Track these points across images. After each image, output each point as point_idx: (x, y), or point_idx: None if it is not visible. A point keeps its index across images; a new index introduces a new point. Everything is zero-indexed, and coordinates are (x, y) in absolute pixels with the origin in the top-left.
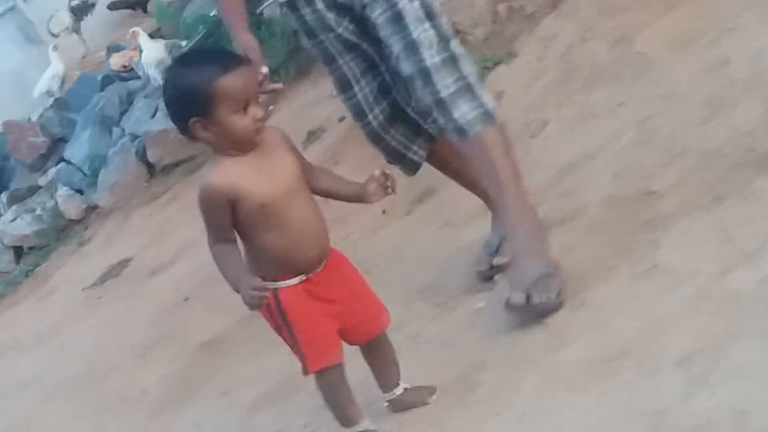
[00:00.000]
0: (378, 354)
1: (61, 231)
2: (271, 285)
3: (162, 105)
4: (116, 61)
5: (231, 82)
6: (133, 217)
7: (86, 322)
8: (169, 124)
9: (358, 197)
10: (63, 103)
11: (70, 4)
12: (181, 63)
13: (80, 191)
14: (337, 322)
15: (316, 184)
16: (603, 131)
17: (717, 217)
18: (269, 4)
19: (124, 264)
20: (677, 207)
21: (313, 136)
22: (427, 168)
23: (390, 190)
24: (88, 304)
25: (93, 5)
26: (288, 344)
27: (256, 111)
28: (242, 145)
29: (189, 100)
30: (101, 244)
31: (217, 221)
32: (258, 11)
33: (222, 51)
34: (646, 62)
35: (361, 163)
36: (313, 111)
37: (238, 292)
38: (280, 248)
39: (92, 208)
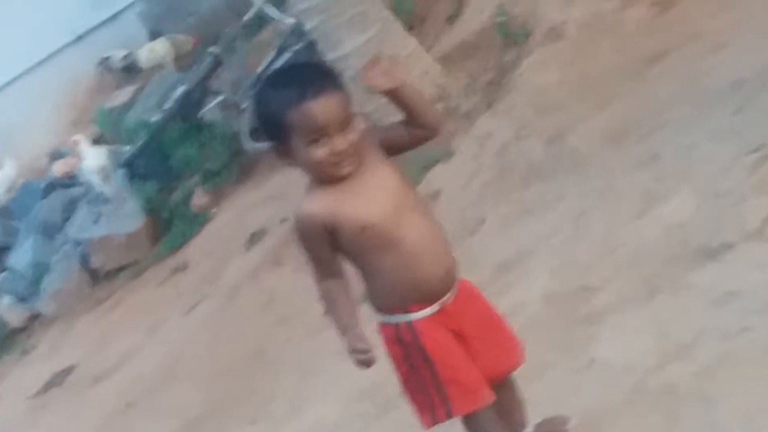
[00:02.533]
0: (506, 393)
1: (4, 340)
2: (402, 318)
3: (105, 210)
4: (59, 169)
5: (305, 112)
6: (76, 324)
7: (31, 431)
8: (112, 230)
9: (407, 122)
10: (5, 212)
11: None
12: (270, 80)
13: (24, 299)
14: (473, 359)
15: (383, 140)
16: (539, 228)
17: (652, 311)
18: (210, 108)
19: (68, 371)
20: (613, 302)
21: (255, 237)
22: None
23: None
24: (33, 413)
25: None
26: (418, 387)
27: (336, 143)
28: (325, 176)
29: (266, 125)
30: (45, 353)
31: (318, 253)
32: (199, 115)
33: (314, 71)
34: (580, 158)
35: (303, 264)
36: (256, 213)
37: (342, 340)
38: (399, 271)
39: (35, 316)
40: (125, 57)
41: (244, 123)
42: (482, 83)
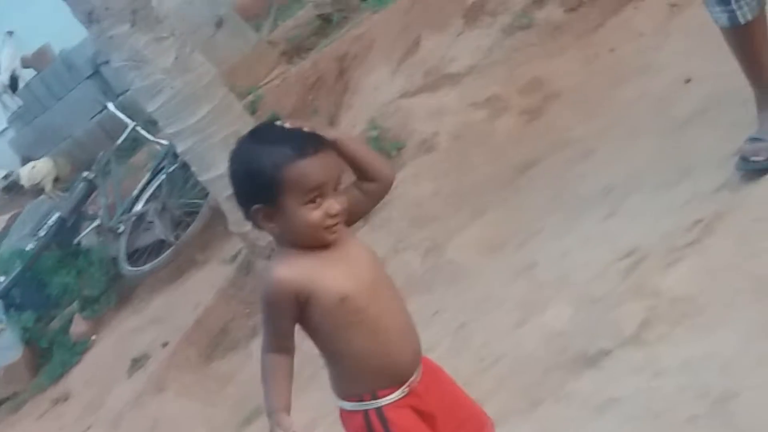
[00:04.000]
0: None
1: None
2: (371, 404)
3: None
4: None
5: (304, 169)
6: None
7: None
8: None
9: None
10: None
11: None
12: (255, 137)
13: None
14: None
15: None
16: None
17: (536, 422)
18: (86, 234)
19: None
20: (497, 413)
21: (137, 363)
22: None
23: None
24: None
25: None
26: None
27: (331, 205)
28: (312, 241)
29: (254, 183)
30: None
31: (278, 323)
32: (75, 241)
33: (303, 133)
34: (458, 270)
35: (186, 388)
36: (137, 338)
37: (269, 419)
38: (372, 353)
39: None
40: (5, 176)
41: (122, 247)
42: None
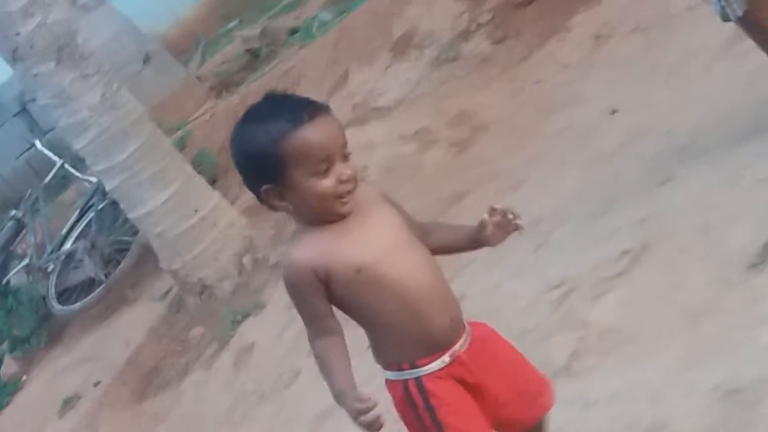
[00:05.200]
0: None
1: None
2: (410, 373)
3: None
4: None
5: (304, 139)
6: None
7: None
8: None
9: (477, 243)
10: None
11: None
12: (248, 118)
13: None
14: (491, 417)
15: (428, 243)
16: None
17: None
18: (15, 273)
19: None
20: None
21: (68, 404)
22: None
23: (514, 227)
24: None
25: None
26: None
27: (341, 170)
28: (326, 214)
29: (257, 165)
30: None
31: (310, 307)
32: (3, 281)
33: (296, 98)
34: None
35: (119, 427)
36: (68, 377)
37: (340, 405)
38: (401, 320)
39: None
40: None
41: (51, 286)
42: (288, 233)
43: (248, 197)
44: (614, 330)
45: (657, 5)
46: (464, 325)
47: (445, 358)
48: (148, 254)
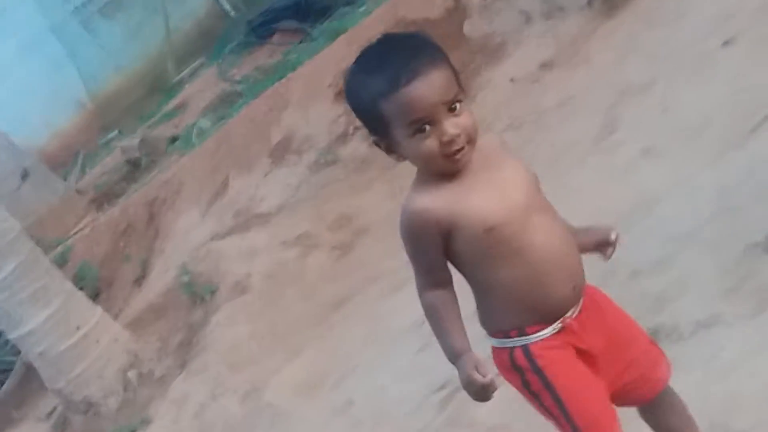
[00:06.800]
0: (665, 414)
1: None
2: (517, 341)
3: None
4: None
5: (400, 101)
6: None
7: None
8: None
9: (590, 245)
10: None
11: None
12: (358, 63)
13: None
14: (606, 385)
15: None
16: None
17: None
18: None
19: None
20: None
21: None
22: None
23: (608, 254)
24: None
25: None
26: (550, 416)
27: (444, 130)
28: (438, 171)
29: (362, 117)
30: None
31: (426, 257)
32: None
33: (408, 43)
34: (277, 413)
35: None
36: None
37: (454, 365)
38: (522, 285)
39: None
40: None
41: None
42: (174, 345)
43: (132, 309)
44: (500, 427)
45: (529, 102)
46: (582, 293)
47: (556, 326)
48: (32, 373)
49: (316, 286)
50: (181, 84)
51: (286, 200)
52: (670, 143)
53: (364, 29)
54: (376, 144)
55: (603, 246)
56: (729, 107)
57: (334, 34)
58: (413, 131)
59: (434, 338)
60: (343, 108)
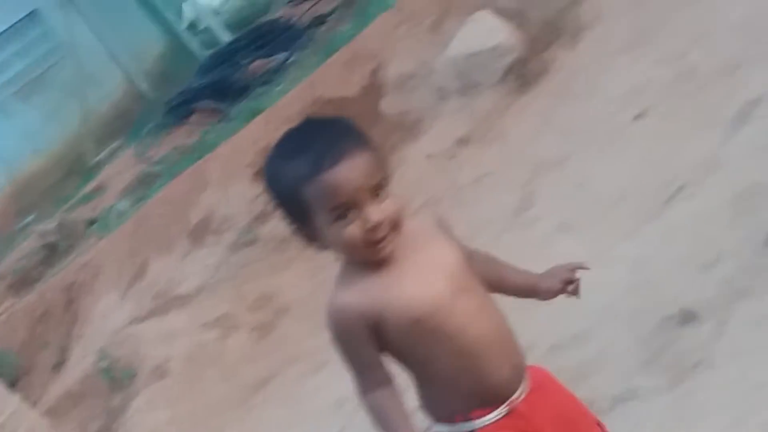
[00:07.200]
0: None
1: None
2: (462, 426)
3: None
4: None
5: (323, 185)
6: None
7: None
8: None
9: (531, 290)
10: None
11: None
12: (277, 148)
13: None
14: None
15: (481, 275)
16: None
17: None
18: None
19: None
20: None
21: None
22: None
23: (573, 291)
24: None
25: None
26: None
27: (369, 215)
28: (363, 260)
29: (280, 204)
30: None
31: (359, 356)
32: None
33: (330, 127)
34: None
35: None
36: None
37: None
38: (458, 371)
39: None
40: None
41: None
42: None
43: (51, 396)
44: None
45: (446, 178)
46: (524, 371)
47: (503, 410)
48: None
49: (237, 368)
50: (99, 166)
51: (205, 281)
52: (586, 217)
53: (281, 108)
54: (296, 233)
55: (567, 284)
56: (643, 180)
57: (252, 114)
58: (335, 217)
59: (354, 418)
60: (262, 187)
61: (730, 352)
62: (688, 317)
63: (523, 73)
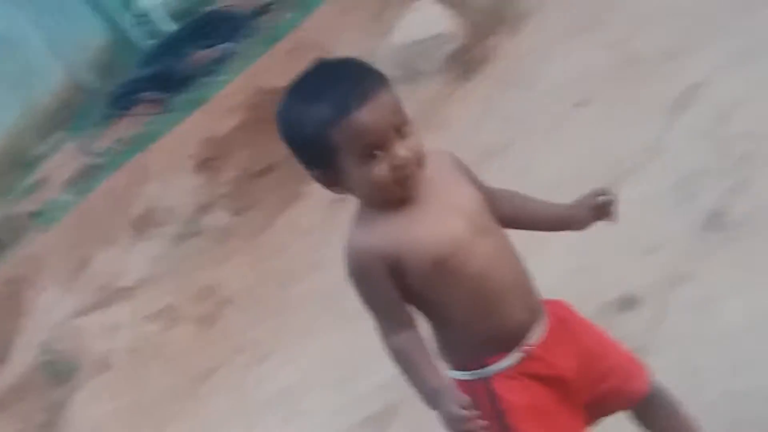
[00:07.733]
0: (654, 418)
1: None
2: (477, 374)
3: None
4: None
5: (352, 127)
6: None
7: None
8: None
9: (563, 223)
10: None
11: None
12: (294, 93)
13: None
14: (578, 411)
15: (502, 212)
16: None
17: None
18: None
19: None
20: None
21: None
22: None
23: (608, 216)
24: None
25: None
26: None
27: (395, 154)
28: (385, 201)
29: (303, 151)
30: None
31: (382, 298)
32: None
33: (351, 67)
34: None
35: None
36: None
37: (433, 408)
38: (475, 315)
39: None
40: None
41: None
42: (35, 427)
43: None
44: None
45: None
46: (541, 314)
47: (517, 355)
48: None
49: (181, 360)
50: (41, 159)
51: (148, 273)
52: None
53: (224, 98)
54: (316, 178)
55: (602, 211)
56: (585, 166)
57: (195, 104)
58: (363, 158)
59: (299, 407)
60: (204, 178)
61: (671, 337)
62: (628, 302)
63: (465, 60)
